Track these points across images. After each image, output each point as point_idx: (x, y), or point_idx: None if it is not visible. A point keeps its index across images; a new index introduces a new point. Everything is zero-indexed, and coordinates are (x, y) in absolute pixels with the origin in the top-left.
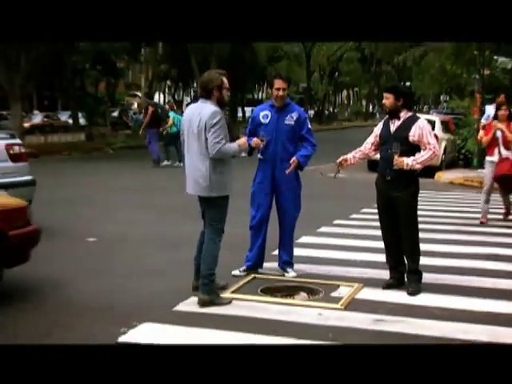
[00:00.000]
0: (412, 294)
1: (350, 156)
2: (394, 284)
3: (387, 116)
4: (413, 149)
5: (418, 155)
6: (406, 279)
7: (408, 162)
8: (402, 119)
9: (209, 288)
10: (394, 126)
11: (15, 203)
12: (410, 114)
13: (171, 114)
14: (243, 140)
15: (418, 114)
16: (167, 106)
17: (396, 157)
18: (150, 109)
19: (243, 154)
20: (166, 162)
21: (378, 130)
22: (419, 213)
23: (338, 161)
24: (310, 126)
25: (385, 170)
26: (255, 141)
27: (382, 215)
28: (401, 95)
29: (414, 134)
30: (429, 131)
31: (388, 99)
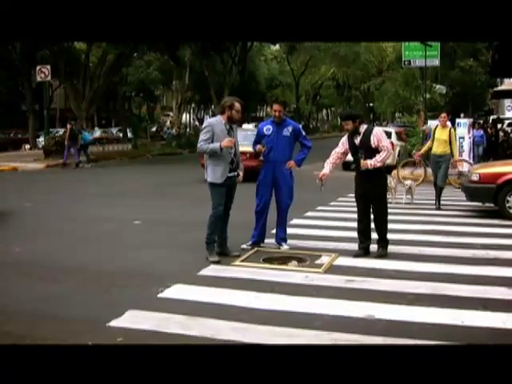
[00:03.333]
0: (380, 256)
1: (326, 171)
2: (361, 253)
3: (348, 133)
4: (374, 152)
5: (377, 156)
6: (370, 250)
7: (370, 162)
8: (362, 133)
9: (207, 246)
10: (357, 140)
11: None
12: (365, 126)
13: (83, 132)
14: (226, 140)
15: (379, 127)
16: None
17: (362, 161)
18: (69, 127)
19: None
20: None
21: (345, 143)
22: None
23: (319, 177)
24: (304, 134)
25: (359, 170)
26: (259, 147)
27: (359, 201)
28: (356, 118)
29: (373, 142)
30: (382, 137)
31: (348, 125)
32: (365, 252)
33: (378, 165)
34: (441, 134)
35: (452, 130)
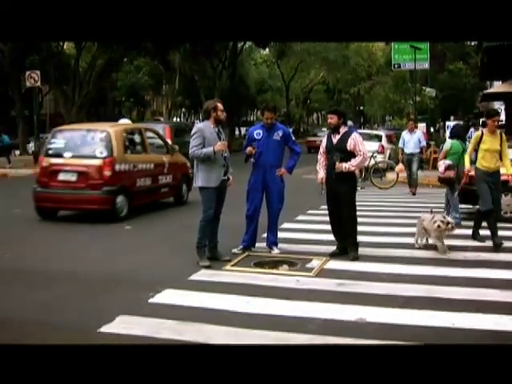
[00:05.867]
0: (353, 259)
1: (322, 174)
2: (338, 253)
3: (329, 131)
4: (350, 155)
5: (353, 160)
6: (347, 250)
7: (346, 165)
8: (341, 133)
9: (198, 251)
10: (335, 139)
11: None
12: (346, 128)
13: (2, 135)
14: (219, 144)
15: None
16: None
17: (337, 163)
18: None
19: (252, 160)
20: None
21: (324, 143)
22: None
23: (319, 182)
24: (293, 139)
25: (331, 171)
26: (249, 149)
27: (329, 203)
28: (341, 115)
29: (349, 145)
30: (360, 142)
31: (333, 119)
32: (340, 251)
33: (352, 169)
34: (492, 143)
35: (504, 135)
